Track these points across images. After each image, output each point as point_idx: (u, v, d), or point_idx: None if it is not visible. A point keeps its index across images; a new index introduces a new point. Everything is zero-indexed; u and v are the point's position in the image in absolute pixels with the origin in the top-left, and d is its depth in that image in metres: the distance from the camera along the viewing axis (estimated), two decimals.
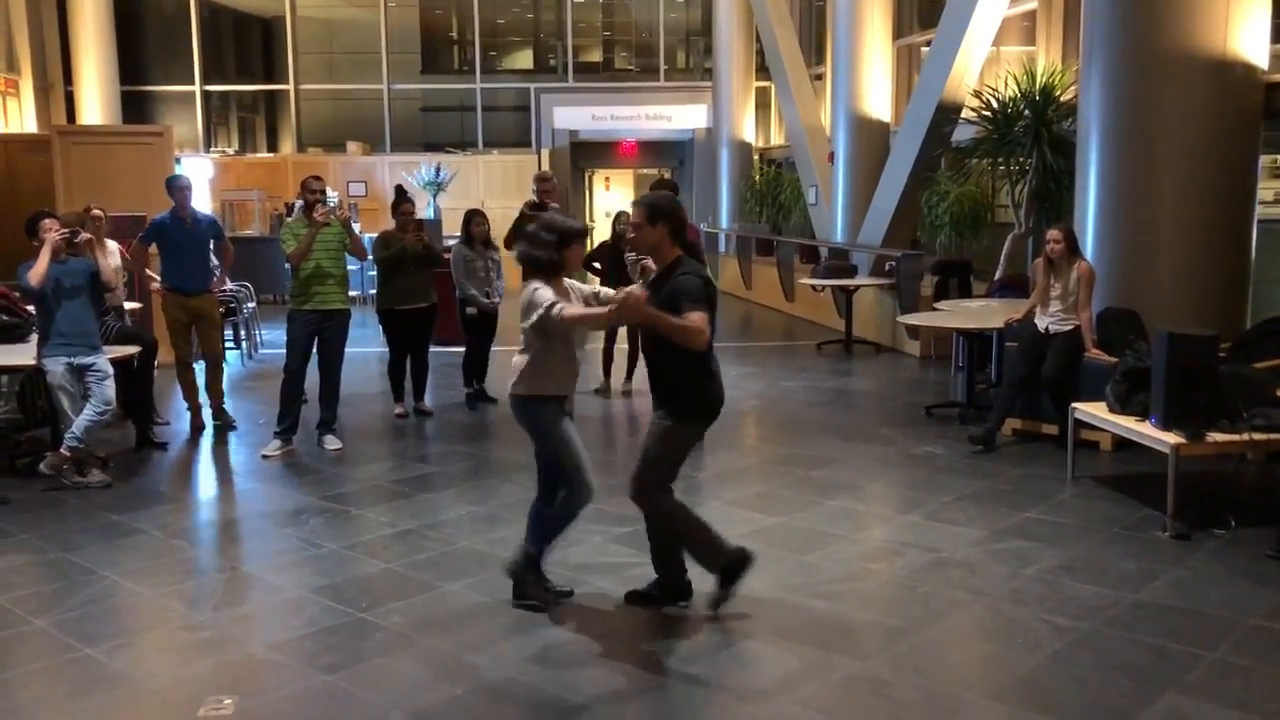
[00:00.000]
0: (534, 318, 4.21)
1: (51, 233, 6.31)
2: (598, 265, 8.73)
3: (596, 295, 4.51)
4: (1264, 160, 7.80)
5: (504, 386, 8.86)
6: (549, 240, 4.30)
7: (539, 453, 4.51)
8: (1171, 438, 5.39)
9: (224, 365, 8.10)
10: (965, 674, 4.07)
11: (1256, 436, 5.40)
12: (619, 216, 8.84)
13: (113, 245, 8.09)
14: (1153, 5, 7.03)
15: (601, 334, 9.18)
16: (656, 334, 4.16)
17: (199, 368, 8.05)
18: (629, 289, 4.12)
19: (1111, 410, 5.98)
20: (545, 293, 4.24)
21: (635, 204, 4.39)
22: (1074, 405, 6.32)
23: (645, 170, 22.09)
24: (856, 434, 7.64)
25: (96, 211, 8.19)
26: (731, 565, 4.41)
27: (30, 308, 6.91)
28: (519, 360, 4.39)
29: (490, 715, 3.67)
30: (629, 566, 4.95)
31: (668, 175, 20.47)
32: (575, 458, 4.37)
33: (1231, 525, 5.39)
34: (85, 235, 6.61)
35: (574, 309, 4.24)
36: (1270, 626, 4.27)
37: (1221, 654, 4.02)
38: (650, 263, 6.99)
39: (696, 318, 4.07)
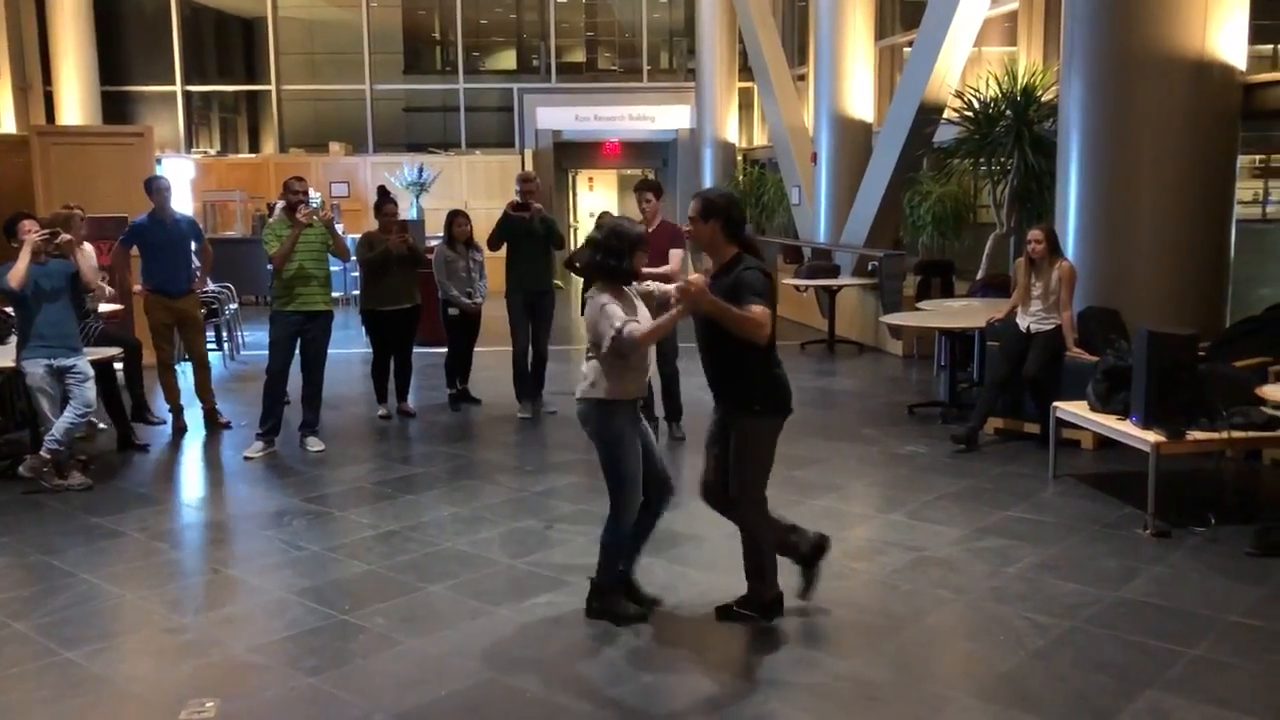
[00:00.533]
0: (606, 344, 4.09)
1: (31, 234, 6.27)
2: (579, 265, 8.72)
3: (651, 295, 4.38)
4: (1242, 160, 7.86)
5: (487, 388, 8.88)
6: (620, 247, 4.18)
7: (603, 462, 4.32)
8: (1152, 436, 5.42)
9: (209, 366, 8.05)
10: (948, 672, 4.09)
11: (1236, 435, 5.44)
12: (602, 216, 8.83)
13: (88, 248, 8.02)
14: (1132, 6, 7.07)
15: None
16: (717, 329, 4.08)
17: (184, 370, 8.01)
18: (692, 277, 3.98)
19: (1093, 409, 6.02)
20: (614, 309, 4.12)
21: (693, 198, 4.27)
22: (1055, 404, 6.36)
23: (629, 171, 22.11)
24: (839, 433, 7.66)
25: (76, 211, 8.14)
26: (812, 555, 4.45)
27: (10, 309, 6.86)
28: (591, 365, 4.24)
29: (473, 717, 3.66)
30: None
31: (651, 176, 20.49)
32: (634, 472, 4.25)
33: (1211, 523, 5.43)
34: (65, 236, 6.56)
35: (643, 327, 4.11)
36: (1249, 623, 4.31)
37: (1202, 651, 4.05)
38: (653, 286, 6.95)
39: (758, 310, 4.01)
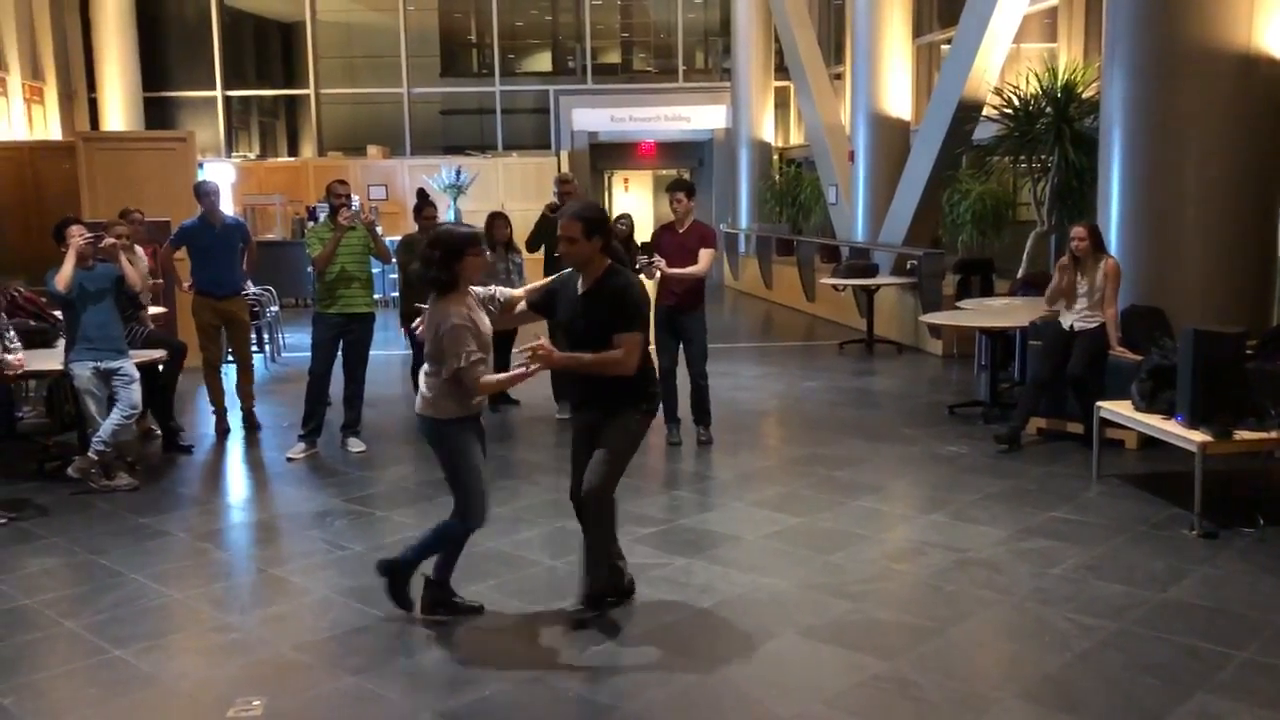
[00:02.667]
0: (448, 370, 4.08)
1: (77, 238, 6.37)
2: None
3: (493, 298, 4.36)
4: None
5: (526, 389, 8.90)
6: (442, 256, 4.08)
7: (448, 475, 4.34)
8: (1198, 436, 5.35)
9: (252, 369, 8.15)
10: (992, 674, 4.05)
11: None
12: (620, 218, 8.85)
13: (139, 251, 8.15)
14: (1176, 1, 6.99)
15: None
16: (596, 340, 4.15)
17: (227, 371, 8.11)
18: (535, 344, 4.06)
19: (1137, 408, 5.95)
20: (464, 334, 4.06)
21: (570, 217, 4.22)
22: (1099, 404, 6.28)
23: (664, 171, 22.12)
24: (879, 434, 7.62)
25: (135, 215, 8.28)
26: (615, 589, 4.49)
27: (58, 313, 6.97)
28: (430, 383, 4.21)
29: (518, 716, 3.67)
30: (651, 567, 4.95)
31: (686, 176, 20.49)
32: (478, 482, 4.28)
33: (1260, 523, 5.35)
34: (110, 240, 6.66)
35: (491, 378, 4.18)
36: None
37: (1251, 653, 3.99)
38: (662, 263, 6.98)
39: (626, 342, 4.12)
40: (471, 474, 4.27)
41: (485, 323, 4.25)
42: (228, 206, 16.36)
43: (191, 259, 7.89)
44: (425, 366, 4.27)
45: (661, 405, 7.30)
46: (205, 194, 7.85)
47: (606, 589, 4.45)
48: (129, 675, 4.00)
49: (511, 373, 4.20)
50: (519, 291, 4.41)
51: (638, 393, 4.32)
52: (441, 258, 4.09)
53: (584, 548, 4.46)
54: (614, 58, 22.59)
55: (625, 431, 4.32)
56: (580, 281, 4.30)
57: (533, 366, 4.05)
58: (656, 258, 6.92)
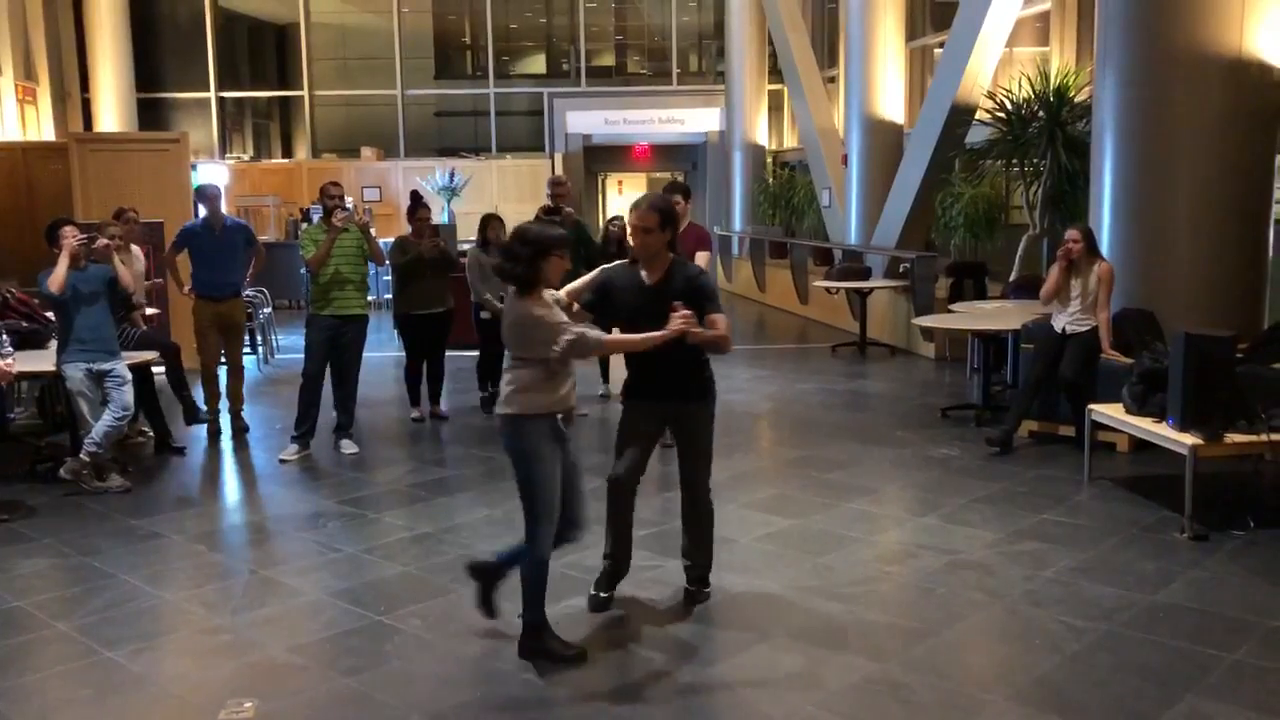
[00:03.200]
0: (561, 347, 3.92)
1: (70, 239, 6.36)
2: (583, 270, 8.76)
3: (559, 301, 4.20)
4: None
5: None
6: (526, 253, 3.96)
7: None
8: (1189, 439, 5.37)
9: (243, 372, 8.14)
10: (983, 676, 4.06)
11: (1275, 437, 5.38)
12: (613, 220, 8.86)
13: (136, 250, 8.15)
14: (1167, 5, 7.01)
15: None
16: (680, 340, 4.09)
17: (220, 373, 8.10)
18: (685, 312, 3.99)
19: (1128, 411, 5.97)
20: (552, 314, 3.96)
21: (647, 208, 4.26)
22: (1091, 406, 6.31)
23: (658, 174, 22.12)
24: (871, 436, 7.63)
25: (130, 214, 8.27)
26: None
27: (50, 314, 6.96)
28: (516, 375, 4.06)
29: (509, 718, 3.68)
30: (643, 569, 4.95)
31: (680, 178, 20.49)
32: (551, 497, 4.05)
33: (1250, 526, 5.38)
34: (103, 241, 6.65)
35: (614, 337, 4.06)
36: None
37: (1241, 656, 4.01)
38: (561, 293, 6.90)
39: (722, 319, 4.22)
40: (543, 487, 4.02)
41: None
42: (223, 207, 16.37)
43: (193, 261, 7.88)
44: (505, 365, 4.12)
45: None
46: (207, 197, 7.85)
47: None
48: (121, 677, 4.00)
49: (642, 336, 4.06)
50: (563, 294, 4.28)
51: (712, 383, 4.53)
52: (530, 256, 3.97)
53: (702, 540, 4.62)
54: (608, 60, 22.60)
55: (709, 425, 4.52)
56: (646, 274, 4.35)
57: (676, 326, 3.98)
58: None
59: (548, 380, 4.04)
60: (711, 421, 4.54)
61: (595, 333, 4.05)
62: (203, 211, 7.85)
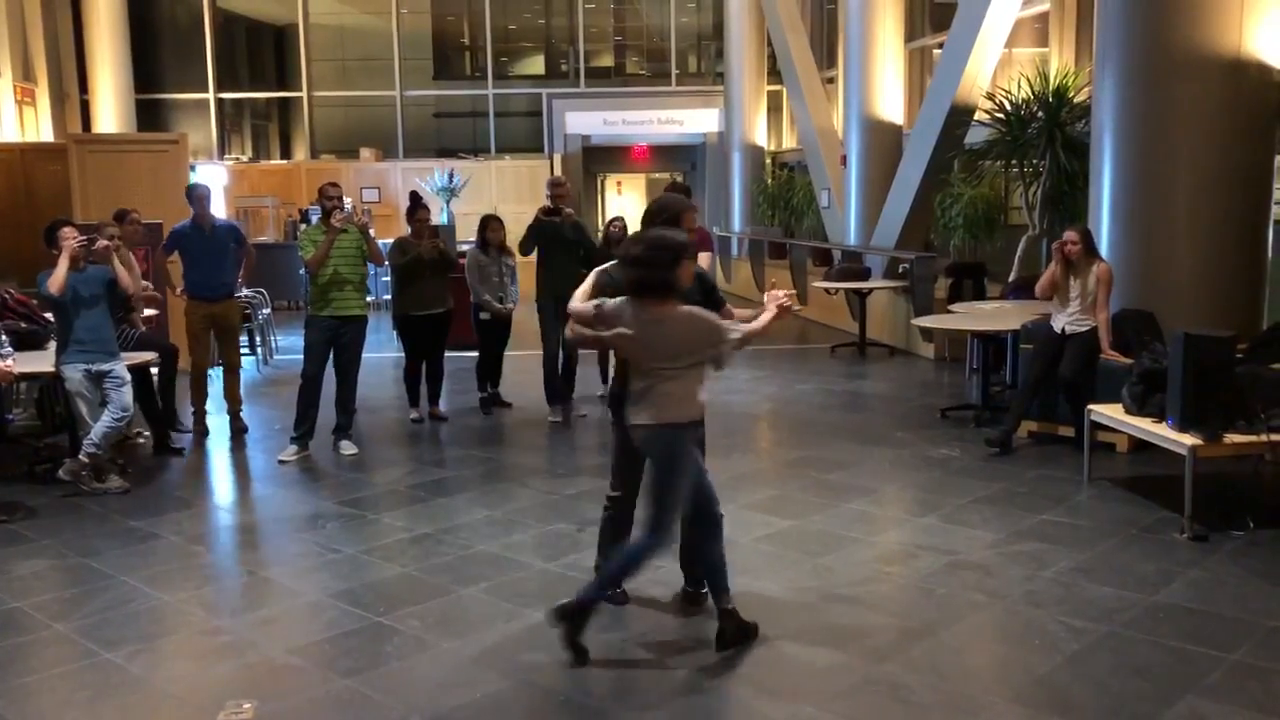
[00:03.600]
0: (729, 350, 3.95)
1: (70, 240, 6.35)
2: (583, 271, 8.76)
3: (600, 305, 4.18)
4: (1279, 160, 7.77)
5: (522, 392, 8.90)
6: (665, 259, 3.88)
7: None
8: (1189, 439, 5.37)
9: (239, 373, 8.13)
10: (983, 676, 4.06)
11: (1275, 437, 5.37)
12: (612, 221, 8.86)
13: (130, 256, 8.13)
14: (1166, 6, 7.01)
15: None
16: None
17: (215, 374, 8.09)
18: (787, 291, 4.07)
19: (1128, 412, 5.97)
20: (710, 317, 3.94)
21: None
22: (1090, 407, 6.31)
23: (657, 174, 22.13)
24: (871, 437, 7.63)
25: (133, 216, 8.27)
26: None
27: (49, 315, 6.96)
28: (691, 381, 3.99)
29: (508, 718, 3.67)
30: (646, 570, 4.95)
31: (680, 179, 20.49)
32: (680, 498, 4.05)
33: (1250, 526, 5.37)
34: (103, 243, 6.65)
35: (749, 327, 4.03)
36: None
37: (1241, 656, 4.00)
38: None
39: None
40: (678, 490, 4.02)
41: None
42: (220, 208, 16.36)
43: (184, 263, 7.87)
44: (647, 375, 3.99)
45: None
46: (196, 197, 7.83)
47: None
48: (119, 678, 3.99)
49: (757, 323, 4.06)
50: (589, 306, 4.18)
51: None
52: (671, 260, 3.89)
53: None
54: (607, 61, 22.61)
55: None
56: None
57: (781, 303, 4.04)
58: None
59: (700, 385, 4.05)
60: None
61: (735, 327, 4.03)
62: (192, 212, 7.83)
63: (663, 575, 4.88)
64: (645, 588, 4.73)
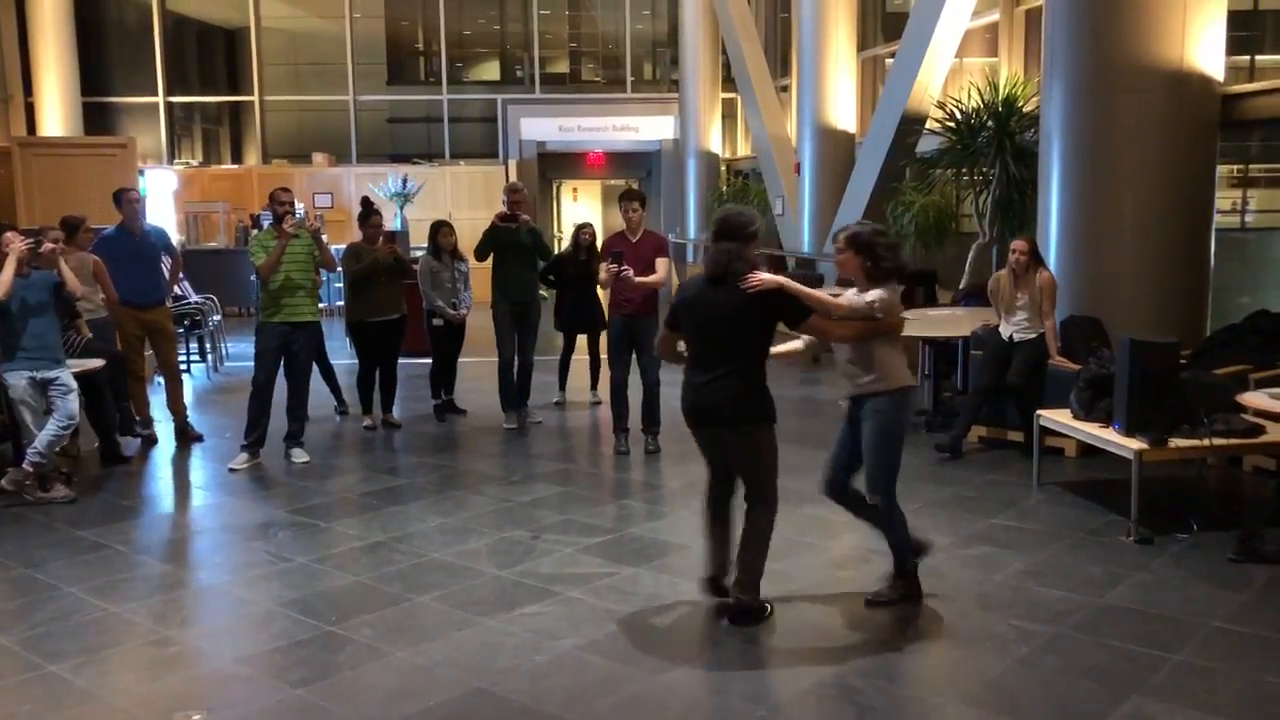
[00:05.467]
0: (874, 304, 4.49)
1: (16, 244, 6.24)
2: (551, 278, 8.79)
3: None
4: (1221, 170, 7.94)
5: (476, 398, 8.85)
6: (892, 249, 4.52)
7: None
8: (1135, 443, 5.47)
9: (181, 378, 8.01)
10: (934, 679, 4.10)
11: (1218, 442, 5.49)
12: (583, 227, 8.87)
13: (89, 258, 7.94)
14: (1112, 18, 7.15)
15: (561, 341, 9.17)
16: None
17: (158, 382, 7.98)
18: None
19: (1076, 417, 6.06)
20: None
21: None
22: (1039, 412, 6.39)
23: (613, 181, 22.15)
24: (824, 442, 7.59)
25: (86, 224, 8.12)
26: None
27: None
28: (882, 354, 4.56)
29: None
30: (599, 576, 4.95)
31: (635, 186, 20.54)
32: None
33: (1194, 529, 5.47)
34: (49, 246, 6.54)
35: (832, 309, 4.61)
36: (1231, 629, 4.34)
37: (1185, 656, 4.08)
38: (630, 272, 7.04)
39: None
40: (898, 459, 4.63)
41: None
42: (170, 214, 16.16)
43: (111, 269, 7.65)
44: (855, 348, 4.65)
45: (613, 414, 7.39)
46: (126, 202, 7.71)
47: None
48: (64, 691, 3.92)
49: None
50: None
51: (768, 401, 4.84)
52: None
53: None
54: (562, 67, 22.60)
55: (768, 444, 4.74)
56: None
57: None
58: (625, 266, 6.91)
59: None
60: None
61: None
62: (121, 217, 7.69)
63: (616, 581, 4.89)
64: (601, 594, 4.73)
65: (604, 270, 6.95)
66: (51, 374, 6.36)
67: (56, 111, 18.36)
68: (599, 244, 8.17)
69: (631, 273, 6.92)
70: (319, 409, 8.31)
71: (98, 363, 7.19)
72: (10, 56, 18.56)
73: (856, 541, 5.57)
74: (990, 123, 9.84)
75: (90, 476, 6.97)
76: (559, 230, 22.10)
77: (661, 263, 7.14)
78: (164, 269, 8.05)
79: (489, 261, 8.04)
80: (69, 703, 3.84)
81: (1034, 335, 7.00)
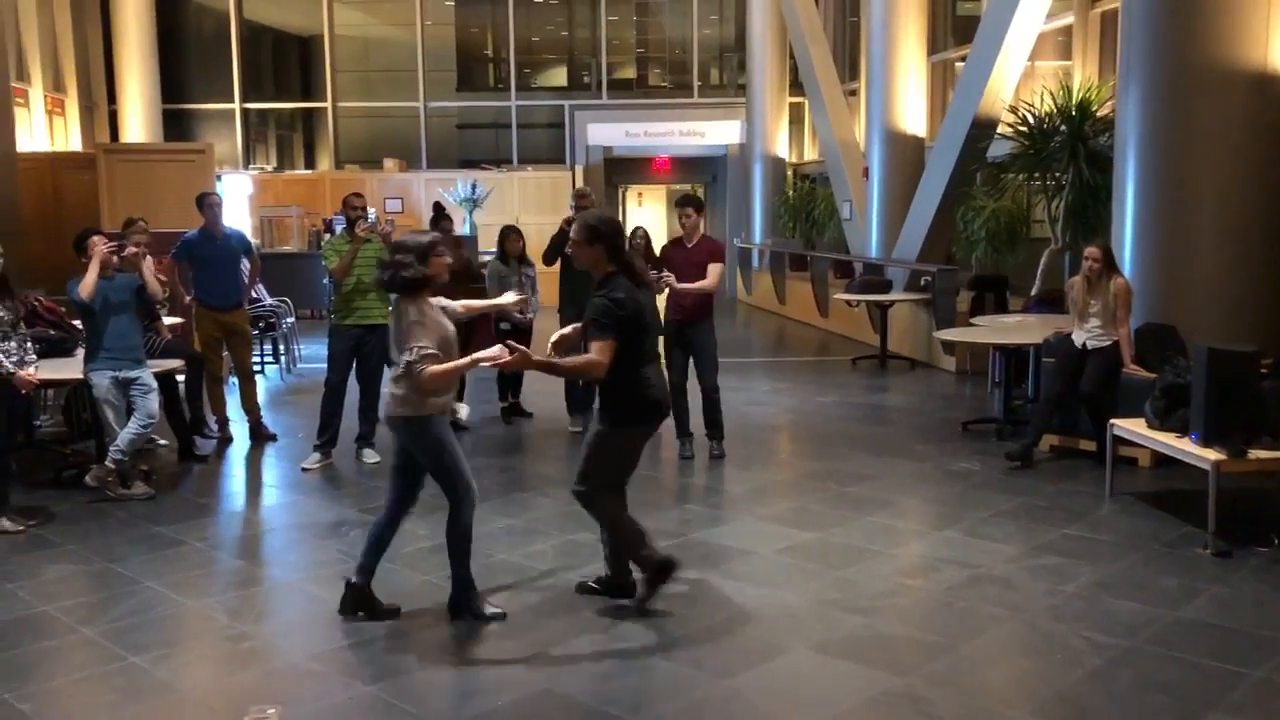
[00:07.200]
0: (401, 365, 4.33)
1: (100, 247, 6.43)
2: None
3: (446, 309, 4.63)
4: None
5: (542, 401, 8.93)
6: (409, 260, 4.39)
7: (428, 469, 4.59)
8: (1212, 454, 5.35)
9: (255, 379, 8.19)
10: (1003, 690, 4.05)
11: None
12: (635, 232, 8.90)
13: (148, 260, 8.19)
14: (1192, 19, 7.00)
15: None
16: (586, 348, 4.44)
17: (232, 383, 8.15)
18: (513, 346, 4.33)
19: (1150, 426, 5.94)
20: (420, 331, 4.33)
21: (577, 222, 4.67)
22: (1112, 421, 6.28)
23: (678, 186, 22.16)
24: (892, 450, 7.62)
25: (139, 222, 8.35)
26: (661, 568, 4.65)
27: (78, 322, 7.04)
28: (401, 381, 4.39)
29: None
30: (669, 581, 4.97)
31: (699, 191, 20.58)
32: (462, 470, 4.52)
33: (1274, 543, 5.34)
34: (132, 250, 6.72)
35: (437, 368, 4.31)
36: None
37: (1264, 673, 3.98)
38: (672, 279, 7.09)
39: (595, 348, 4.36)
40: (459, 460, 4.51)
41: (448, 326, 4.50)
42: (245, 218, 16.50)
43: (193, 271, 7.91)
44: (392, 369, 4.48)
45: (674, 419, 7.39)
46: (208, 205, 7.89)
47: (664, 561, 4.67)
48: (145, 682, 4.03)
49: (458, 362, 4.41)
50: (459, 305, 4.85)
51: (617, 406, 4.57)
52: (416, 260, 4.38)
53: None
54: (629, 73, 22.68)
55: (599, 441, 4.61)
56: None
57: (503, 359, 4.27)
58: (666, 273, 6.97)
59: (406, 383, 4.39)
60: (602, 441, 4.64)
61: (429, 363, 4.32)
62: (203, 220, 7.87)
63: (681, 586, 4.90)
64: (666, 599, 4.74)
65: (651, 276, 7.02)
66: (133, 374, 6.54)
67: (138, 119, 18.86)
68: (655, 249, 8.19)
69: (673, 279, 6.95)
70: None
71: (176, 363, 7.38)
72: (96, 67, 19.12)
73: (924, 550, 5.53)
74: (1063, 127, 9.70)
75: (168, 474, 7.15)
76: (628, 235, 22.15)
77: (714, 269, 7.11)
78: (243, 272, 8.25)
79: (556, 266, 8.11)
80: (149, 694, 3.95)
81: (1107, 343, 6.88)
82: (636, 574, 4.71)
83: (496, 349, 4.30)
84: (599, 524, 4.74)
